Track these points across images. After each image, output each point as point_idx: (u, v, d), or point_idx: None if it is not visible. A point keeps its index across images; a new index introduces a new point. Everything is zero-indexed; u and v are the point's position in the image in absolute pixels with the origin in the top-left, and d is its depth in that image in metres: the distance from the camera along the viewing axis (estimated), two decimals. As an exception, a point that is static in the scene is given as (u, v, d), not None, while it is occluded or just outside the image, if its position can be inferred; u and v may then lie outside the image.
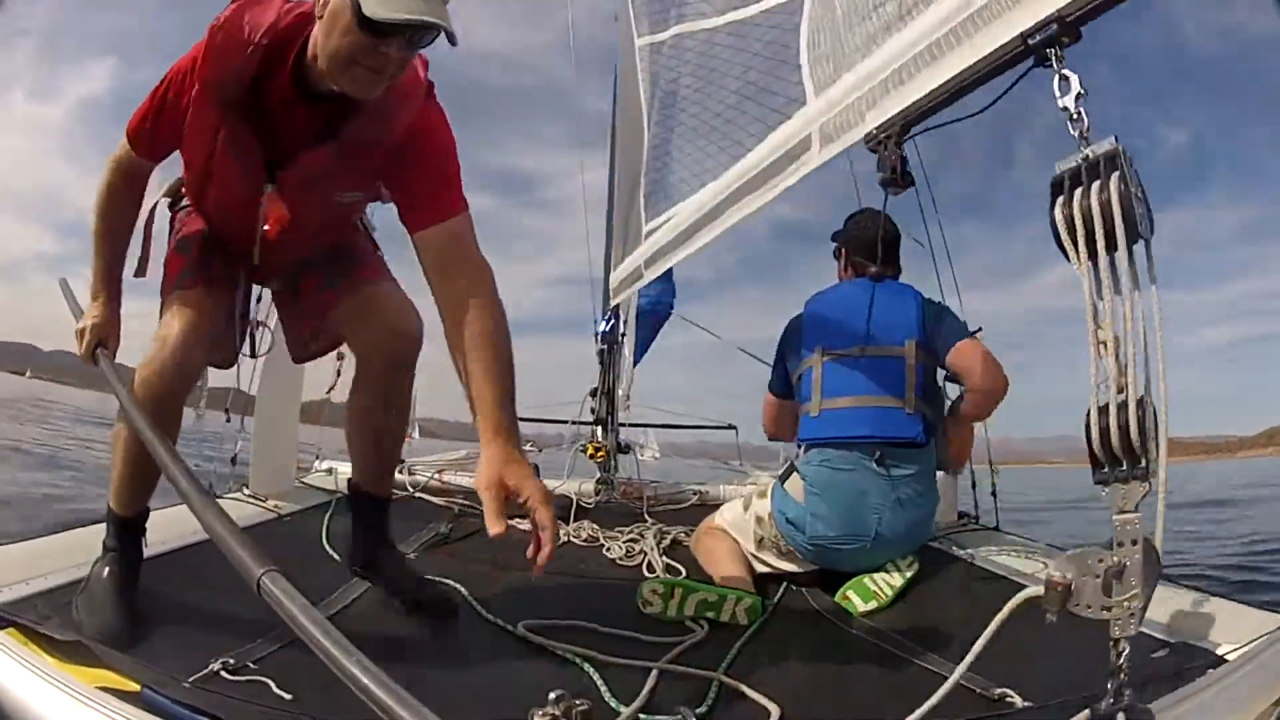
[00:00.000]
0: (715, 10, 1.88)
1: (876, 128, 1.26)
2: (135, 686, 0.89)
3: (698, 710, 1.06)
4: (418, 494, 2.48)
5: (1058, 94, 0.92)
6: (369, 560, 1.43)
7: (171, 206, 1.46)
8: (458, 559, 1.80)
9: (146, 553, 1.35)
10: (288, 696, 0.97)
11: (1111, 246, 0.86)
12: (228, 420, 2.27)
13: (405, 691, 0.62)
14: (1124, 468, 0.86)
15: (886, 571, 1.70)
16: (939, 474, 1.89)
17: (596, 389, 3.19)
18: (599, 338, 3.18)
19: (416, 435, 4.10)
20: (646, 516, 2.43)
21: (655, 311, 3.40)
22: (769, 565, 1.80)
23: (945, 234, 2.38)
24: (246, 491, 2.17)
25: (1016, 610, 0.86)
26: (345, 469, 2.74)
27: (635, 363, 3.40)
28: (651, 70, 2.31)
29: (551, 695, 0.75)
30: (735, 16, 1.80)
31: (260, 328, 1.53)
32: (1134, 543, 0.83)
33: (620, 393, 3.26)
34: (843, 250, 2.05)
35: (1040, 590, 0.84)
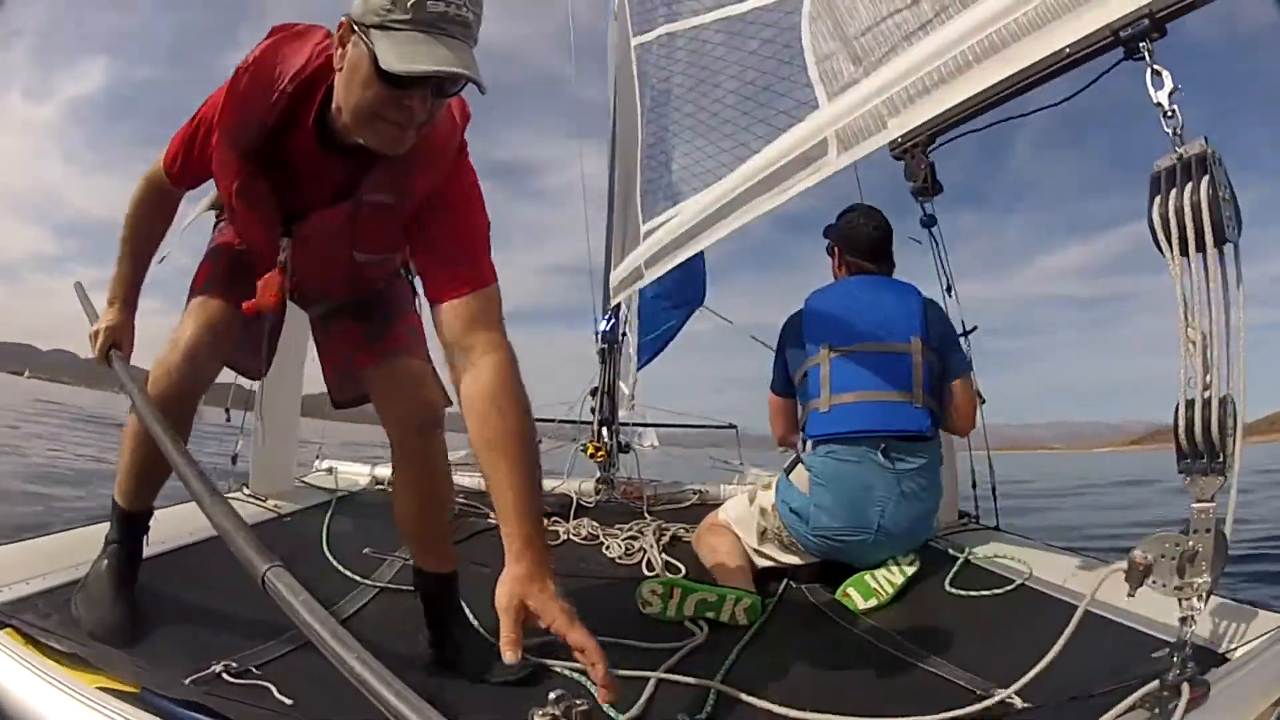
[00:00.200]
0: (704, 7, 1.87)
1: (902, 135, 1.26)
2: (135, 688, 0.89)
3: (697, 717, 1.06)
4: None
5: (1151, 90, 0.95)
6: (442, 640, 1.31)
7: (218, 216, 1.44)
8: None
9: (148, 552, 1.35)
10: (289, 701, 0.97)
11: (1201, 247, 0.90)
12: (228, 419, 2.27)
13: (406, 688, 0.62)
14: (1204, 460, 0.91)
15: (887, 569, 1.71)
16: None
17: (597, 388, 3.19)
18: (599, 337, 3.18)
19: None
20: (646, 515, 2.43)
21: (680, 309, 3.39)
22: (771, 559, 1.81)
23: (941, 224, 2.38)
24: (246, 491, 2.16)
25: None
26: (345, 469, 2.76)
27: (645, 363, 3.39)
28: (641, 69, 2.31)
29: (551, 695, 0.75)
30: (727, 13, 1.79)
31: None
32: (1208, 530, 0.90)
33: (625, 390, 3.26)
34: (836, 248, 2.06)
35: (1125, 566, 0.92)
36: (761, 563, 1.81)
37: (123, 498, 1.30)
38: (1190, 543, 0.89)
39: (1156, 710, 0.82)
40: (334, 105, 1.05)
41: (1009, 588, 1.61)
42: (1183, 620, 0.89)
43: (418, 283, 1.44)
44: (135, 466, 1.28)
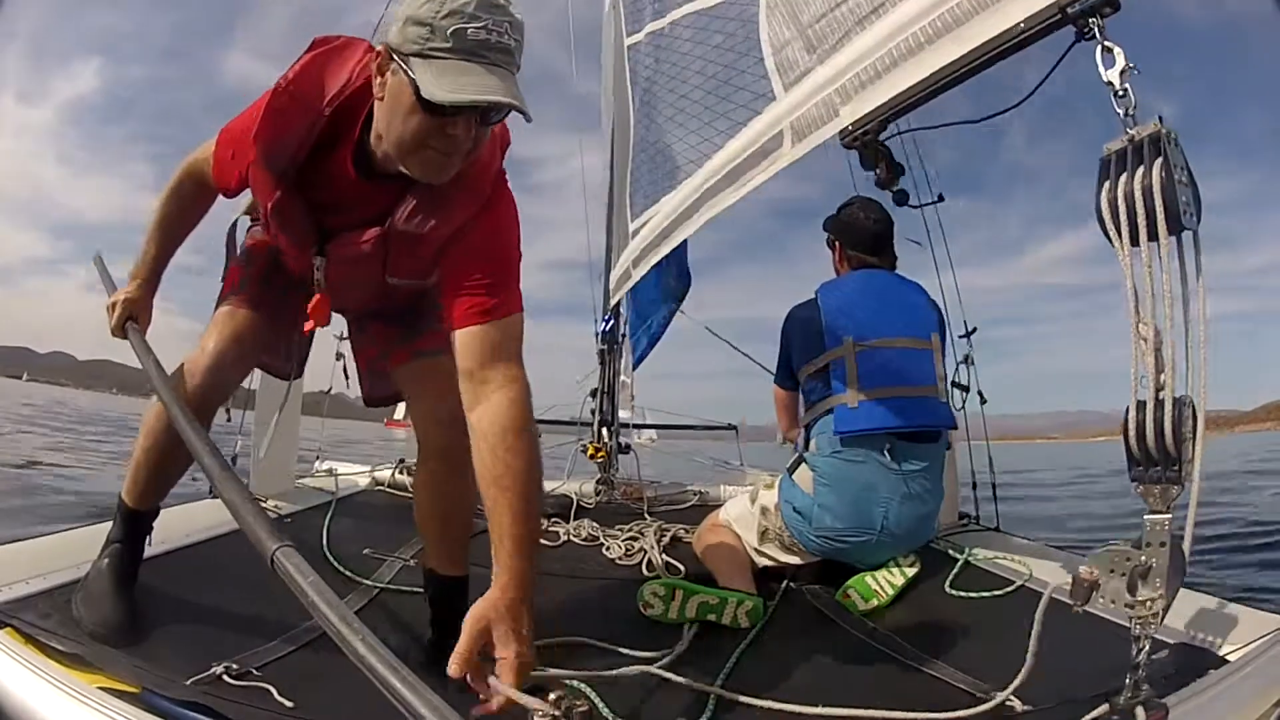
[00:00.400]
0: (678, 3, 1.87)
1: (852, 124, 1.23)
2: (135, 688, 0.89)
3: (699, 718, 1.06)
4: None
5: (1101, 68, 0.88)
6: (446, 644, 1.31)
7: (252, 220, 1.42)
8: None
9: (148, 552, 1.35)
10: (289, 704, 0.97)
11: (1154, 235, 0.83)
12: (228, 419, 2.27)
13: (411, 673, 0.62)
14: (1159, 468, 0.85)
15: (888, 570, 1.71)
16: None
17: (596, 389, 3.19)
18: (599, 337, 3.18)
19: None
20: (647, 516, 2.43)
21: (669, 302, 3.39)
22: (771, 558, 1.80)
23: (938, 213, 2.37)
24: (246, 491, 2.16)
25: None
26: (345, 469, 2.76)
27: (639, 360, 3.39)
28: (632, 68, 2.31)
29: (551, 697, 0.75)
30: (696, 8, 1.79)
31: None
32: (1162, 544, 0.83)
33: (625, 380, 3.26)
34: (837, 241, 2.03)
35: (1067, 586, 0.86)
36: (762, 562, 1.80)
37: (131, 496, 1.30)
38: (1143, 557, 0.83)
39: None
40: (374, 133, 1.02)
41: (1009, 589, 1.61)
42: (1135, 640, 0.84)
43: None
44: (149, 465, 1.28)
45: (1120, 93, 0.86)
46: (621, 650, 1.29)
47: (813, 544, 1.75)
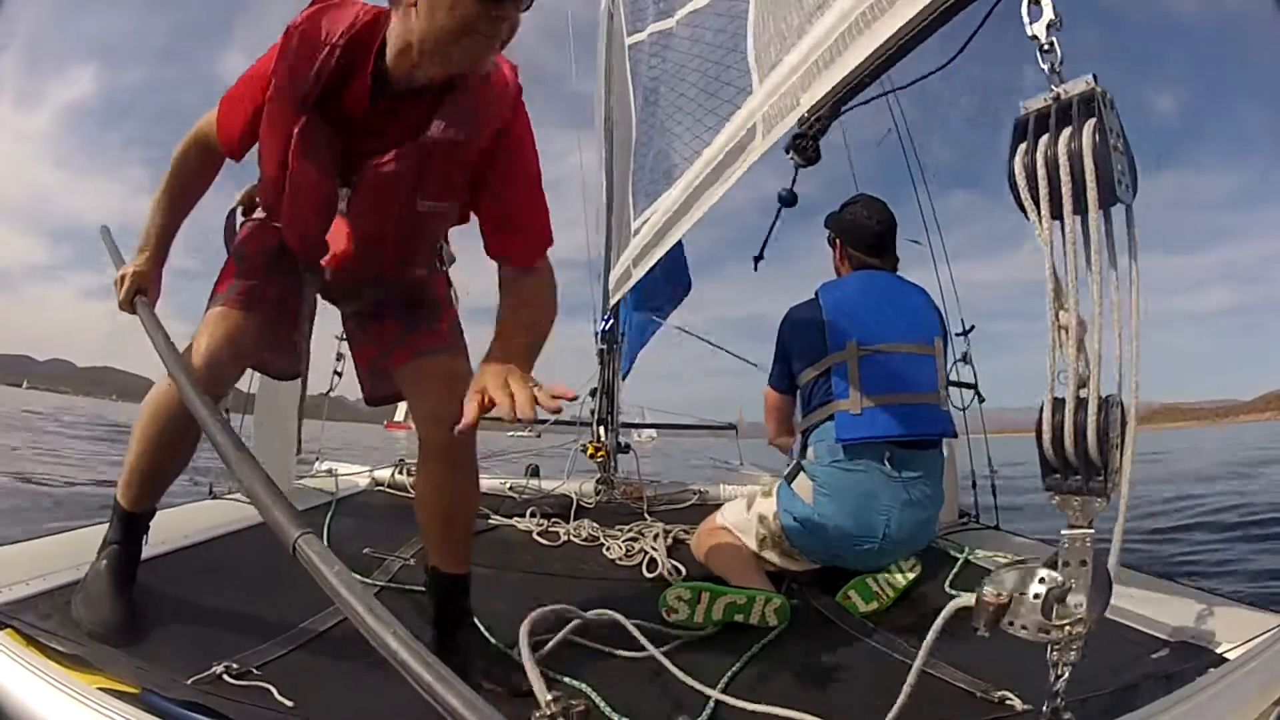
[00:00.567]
0: (680, 3, 1.88)
1: (809, 110, 1.21)
2: (135, 688, 0.89)
3: (698, 718, 1.06)
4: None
5: (1026, 21, 0.78)
6: (444, 640, 1.31)
7: (245, 214, 1.42)
8: None
9: (148, 552, 1.34)
10: (289, 703, 0.97)
11: (1080, 208, 0.72)
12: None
13: (443, 665, 0.60)
14: (1078, 478, 0.75)
15: (889, 572, 1.70)
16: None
17: (596, 389, 3.19)
18: (599, 337, 3.18)
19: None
20: (646, 516, 2.43)
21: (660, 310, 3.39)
22: (771, 564, 1.78)
23: (935, 208, 2.37)
24: (247, 492, 2.16)
25: (949, 622, 0.79)
26: (345, 469, 2.76)
27: (627, 370, 3.38)
28: (633, 68, 2.32)
29: (549, 696, 0.75)
30: (693, 7, 1.80)
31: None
32: (1082, 563, 0.73)
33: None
34: (838, 240, 1.98)
35: (969, 602, 0.76)
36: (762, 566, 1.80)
37: (126, 499, 1.29)
38: (1060, 577, 0.73)
39: None
40: (393, 54, 1.08)
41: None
42: (1053, 667, 0.73)
43: (453, 276, 1.47)
44: (143, 468, 1.27)
45: (1046, 47, 0.76)
46: (621, 651, 1.29)
47: (814, 554, 1.74)
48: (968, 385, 2.12)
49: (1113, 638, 1.28)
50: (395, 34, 1.07)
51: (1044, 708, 0.76)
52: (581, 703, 0.75)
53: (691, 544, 1.99)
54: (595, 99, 3.23)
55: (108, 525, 1.32)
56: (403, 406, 1.45)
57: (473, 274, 1.48)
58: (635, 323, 3.35)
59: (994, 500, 2.32)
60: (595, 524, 2.23)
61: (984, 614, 0.75)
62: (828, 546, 1.71)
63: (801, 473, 1.77)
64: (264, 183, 1.28)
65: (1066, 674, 0.73)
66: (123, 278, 1.30)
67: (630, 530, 2.18)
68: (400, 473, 2.69)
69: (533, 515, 2.32)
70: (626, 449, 3.13)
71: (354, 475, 2.73)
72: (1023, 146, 0.75)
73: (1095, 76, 0.72)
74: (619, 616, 1.33)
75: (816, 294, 1.86)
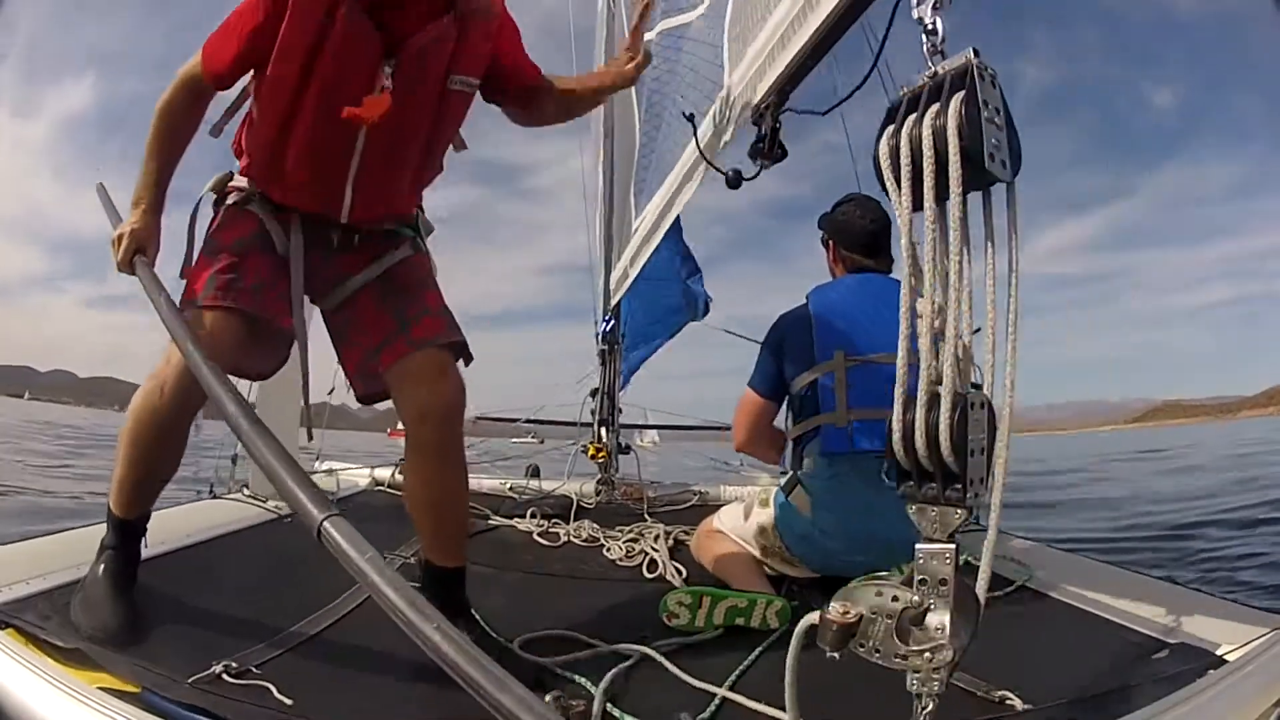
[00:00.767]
0: (683, 6, 1.89)
1: (759, 99, 1.22)
2: (135, 688, 0.89)
3: (700, 716, 1.05)
4: None
5: (913, 2, 0.74)
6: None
7: (215, 204, 1.35)
8: None
9: (147, 553, 1.34)
10: (289, 702, 0.97)
11: (942, 191, 0.66)
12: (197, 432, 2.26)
13: (486, 657, 0.57)
14: (933, 485, 0.67)
15: (889, 574, 1.69)
16: None
17: (596, 389, 3.19)
18: (599, 338, 3.19)
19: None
20: (647, 517, 2.43)
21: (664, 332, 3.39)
22: (772, 570, 1.77)
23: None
24: (247, 492, 2.17)
25: (805, 641, 0.69)
26: (345, 470, 2.77)
27: (625, 385, 3.37)
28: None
29: (549, 696, 0.75)
30: (693, 6, 1.82)
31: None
32: (941, 582, 0.64)
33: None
34: (831, 241, 1.92)
35: (814, 621, 0.67)
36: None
37: (118, 506, 1.28)
38: (915, 597, 0.64)
39: None
40: None
41: (1009, 589, 1.60)
42: (916, 699, 0.64)
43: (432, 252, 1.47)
44: (133, 476, 1.25)
45: (930, 27, 0.72)
46: (620, 652, 1.29)
47: (814, 564, 1.72)
48: (976, 386, 2.10)
49: (1113, 638, 1.28)
50: None
51: None
52: (580, 702, 0.75)
53: (691, 546, 1.98)
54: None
55: (104, 530, 1.31)
56: None
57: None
58: (630, 362, 3.36)
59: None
60: (595, 525, 2.23)
61: (828, 633, 0.64)
62: (829, 557, 1.69)
63: (798, 485, 1.73)
64: (271, 107, 1.23)
65: (931, 707, 0.64)
66: (119, 237, 1.26)
67: (630, 531, 2.18)
68: (401, 473, 2.69)
69: (533, 516, 2.32)
70: (627, 449, 3.13)
71: (354, 475, 2.74)
72: (890, 128, 0.70)
73: (976, 50, 0.66)
74: (651, 651, 1.25)
75: (807, 299, 1.81)
